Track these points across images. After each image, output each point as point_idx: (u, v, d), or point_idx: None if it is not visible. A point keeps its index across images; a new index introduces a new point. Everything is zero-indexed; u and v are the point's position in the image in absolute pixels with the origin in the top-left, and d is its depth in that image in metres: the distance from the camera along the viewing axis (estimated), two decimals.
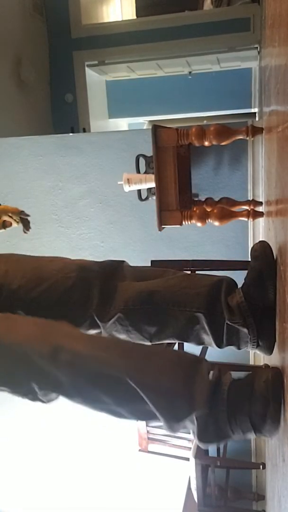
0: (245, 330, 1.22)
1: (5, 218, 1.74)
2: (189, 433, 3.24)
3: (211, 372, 1.08)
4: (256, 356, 2.97)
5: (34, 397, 1.10)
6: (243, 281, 1.28)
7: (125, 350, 1.10)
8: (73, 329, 1.18)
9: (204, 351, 2.12)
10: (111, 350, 1.09)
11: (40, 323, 1.14)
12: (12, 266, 1.31)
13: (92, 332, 1.32)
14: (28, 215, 1.85)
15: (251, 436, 1.02)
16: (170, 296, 1.27)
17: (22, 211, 1.79)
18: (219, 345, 1.27)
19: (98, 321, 1.29)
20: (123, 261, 1.41)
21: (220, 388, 1.05)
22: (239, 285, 1.29)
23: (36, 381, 1.07)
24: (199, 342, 1.30)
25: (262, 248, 1.26)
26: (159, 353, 1.15)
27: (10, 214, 1.73)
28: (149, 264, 2.01)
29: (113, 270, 1.35)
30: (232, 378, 1.09)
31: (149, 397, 1.01)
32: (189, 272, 2.07)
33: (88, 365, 1.05)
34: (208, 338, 1.26)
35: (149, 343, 1.29)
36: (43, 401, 1.11)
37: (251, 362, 3.01)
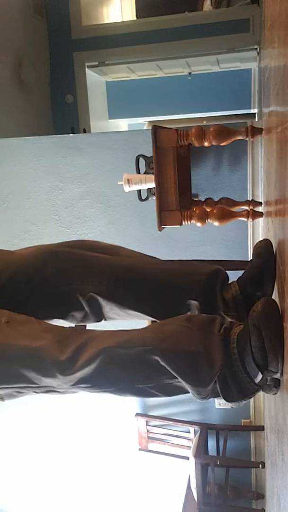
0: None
1: None
2: (189, 431, 3.25)
3: (223, 327, 1.06)
4: None
5: (53, 390, 1.09)
6: (242, 275, 1.28)
7: (141, 330, 1.08)
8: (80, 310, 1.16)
9: None
10: (130, 333, 1.07)
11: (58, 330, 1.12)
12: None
13: (77, 316, 1.25)
14: None
15: (258, 376, 0.97)
16: (168, 279, 1.24)
17: None
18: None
19: (79, 298, 1.22)
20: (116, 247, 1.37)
21: (230, 339, 1.03)
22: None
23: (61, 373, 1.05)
24: None
25: (265, 246, 1.26)
26: (171, 322, 1.10)
27: None
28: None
29: (90, 244, 1.30)
30: (241, 327, 1.06)
31: (173, 368, 1.00)
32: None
33: (114, 352, 1.03)
34: None
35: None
36: (60, 392, 1.10)
37: None
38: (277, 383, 1.02)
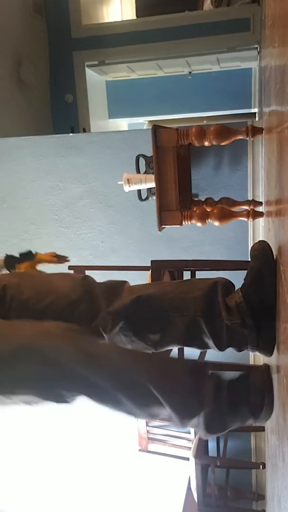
0: (244, 330, 1.24)
1: (40, 265, 1.72)
2: (189, 432, 3.24)
3: (213, 374, 1.24)
4: (256, 357, 2.97)
5: (61, 400, 1.18)
6: (243, 281, 1.28)
7: (146, 360, 1.23)
8: (103, 340, 1.29)
9: (203, 353, 2.12)
10: (137, 360, 1.21)
11: (70, 332, 1.21)
12: (24, 280, 1.37)
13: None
14: (64, 258, 1.84)
15: (250, 422, 1.22)
16: (167, 301, 1.30)
17: (56, 257, 1.78)
18: (220, 347, 1.30)
19: (102, 332, 1.32)
20: (125, 281, 1.44)
21: (221, 386, 1.21)
22: (238, 285, 1.30)
23: (67, 384, 1.16)
24: (202, 346, 1.33)
25: (261, 248, 1.27)
26: (171, 363, 1.31)
27: (46, 263, 1.72)
28: (149, 264, 2.01)
29: (115, 286, 1.39)
30: (229, 377, 1.25)
31: (167, 400, 1.16)
32: (189, 271, 2.08)
33: (117, 373, 1.17)
34: (210, 342, 1.29)
35: (154, 350, 1.35)
36: (67, 402, 1.18)
37: (251, 362, 3.01)
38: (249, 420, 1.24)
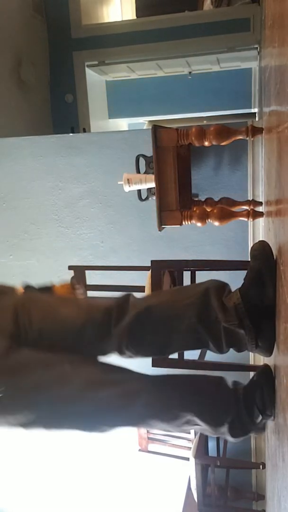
0: (242, 331, 1.26)
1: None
2: (189, 432, 3.24)
3: (230, 384, 1.40)
4: (256, 357, 2.97)
5: (100, 432, 1.35)
6: (243, 281, 1.29)
7: (177, 387, 1.39)
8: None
9: (203, 353, 2.12)
10: (171, 396, 1.36)
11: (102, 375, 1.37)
12: (33, 310, 1.41)
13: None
14: (78, 287, 1.85)
15: (259, 418, 1.33)
16: (165, 311, 1.36)
17: (74, 286, 1.78)
18: (220, 349, 1.34)
19: (111, 352, 1.41)
20: (129, 295, 1.47)
21: (238, 394, 1.36)
22: (239, 285, 1.32)
23: (111, 422, 1.35)
24: (206, 347, 1.39)
25: (261, 248, 1.29)
26: (195, 382, 1.43)
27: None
28: (149, 264, 2.01)
29: (121, 303, 1.43)
30: (243, 385, 1.41)
31: (200, 417, 1.33)
32: (189, 271, 2.08)
33: (157, 410, 1.34)
34: (210, 345, 1.34)
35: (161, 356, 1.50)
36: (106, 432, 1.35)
37: (251, 362, 3.01)
38: (264, 427, 1.38)
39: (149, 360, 1.66)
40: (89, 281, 2.44)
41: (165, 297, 1.42)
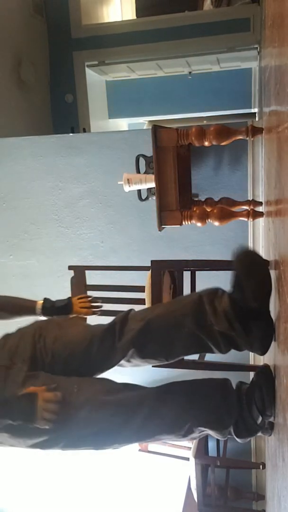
0: (233, 333, 1.35)
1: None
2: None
3: (235, 385, 1.47)
4: (256, 356, 2.97)
5: (111, 449, 1.46)
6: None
7: (179, 398, 1.44)
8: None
9: (203, 353, 2.12)
10: (172, 408, 1.43)
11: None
12: (48, 338, 1.53)
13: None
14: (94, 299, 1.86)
15: (259, 419, 1.38)
16: (164, 322, 1.45)
17: (91, 299, 1.80)
18: (221, 351, 1.43)
19: (117, 363, 1.51)
20: (130, 310, 1.58)
21: (241, 395, 1.44)
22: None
23: (122, 441, 1.45)
24: (208, 351, 1.48)
25: (238, 252, 1.36)
26: (197, 389, 1.49)
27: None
28: (149, 264, 2.01)
29: (122, 320, 1.53)
30: (247, 385, 1.48)
31: (205, 425, 1.42)
32: (189, 271, 2.08)
33: (159, 422, 1.42)
34: (212, 348, 1.44)
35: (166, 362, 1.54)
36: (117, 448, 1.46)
37: (251, 362, 3.01)
38: (271, 427, 1.42)
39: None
40: (89, 281, 2.44)
41: (163, 309, 1.50)
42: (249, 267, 1.32)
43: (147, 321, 1.45)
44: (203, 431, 1.45)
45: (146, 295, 2.18)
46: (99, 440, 1.44)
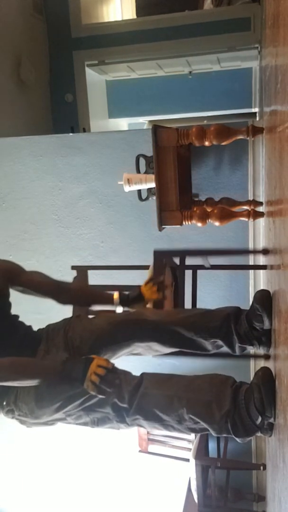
0: (251, 347, 1.74)
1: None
2: (189, 434, 3.24)
3: (235, 384, 1.53)
4: (256, 357, 2.97)
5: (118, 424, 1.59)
6: (248, 309, 1.71)
7: (180, 387, 1.56)
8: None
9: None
10: (175, 389, 1.55)
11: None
12: (76, 325, 1.78)
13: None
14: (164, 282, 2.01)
15: (259, 419, 1.41)
16: (195, 327, 1.70)
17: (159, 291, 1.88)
18: (234, 352, 1.75)
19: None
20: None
21: (239, 392, 1.49)
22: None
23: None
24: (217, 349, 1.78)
25: (261, 295, 1.65)
26: (201, 377, 1.60)
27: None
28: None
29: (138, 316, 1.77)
30: (247, 385, 1.52)
31: (195, 414, 1.49)
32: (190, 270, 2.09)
33: (158, 400, 1.53)
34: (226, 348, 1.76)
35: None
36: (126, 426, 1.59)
37: (251, 362, 3.01)
38: (271, 428, 1.43)
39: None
40: (89, 281, 2.44)
41: (194, 319, 1.73)
42: (269, 307, 1.60)
43: (189, 327, 1.72)
44: (197, 422, 1.50)
45: None
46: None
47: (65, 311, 1.99)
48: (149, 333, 1.72)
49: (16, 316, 1.79)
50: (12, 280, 1.76)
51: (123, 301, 1.79)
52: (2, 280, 1.71)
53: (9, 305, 1.76)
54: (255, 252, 2.75)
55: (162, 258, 2.08)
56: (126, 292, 1.82)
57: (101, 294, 1.87)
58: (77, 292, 1.91)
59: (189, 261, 2.16)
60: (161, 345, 1.74)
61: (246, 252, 2.75)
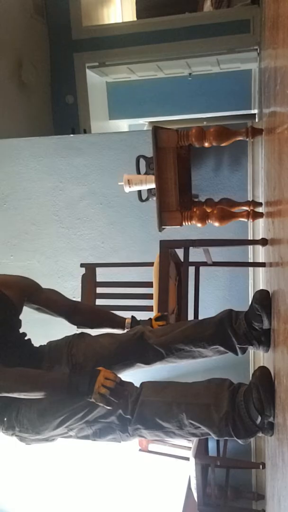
0: (250, 347, 1.71)
1: None
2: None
3: (232, 386, 1.54)
4: (256, 358, 2.98)
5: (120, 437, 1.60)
6: (247, 309, 1.68)
7: (178, 393, 1.57)
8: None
9: None
10: (171, 400, 1.55)
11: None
12: (82, 348, 1.77)
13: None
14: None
15: (259, 419, 1.41)
16: (191, 339, 1.70)
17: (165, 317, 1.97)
18: (236, 354, 1.74)
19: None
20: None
21: (237, 393, 1.51)
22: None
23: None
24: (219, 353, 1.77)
25: (260, 295, 1.62)
26: (198, 383, 1.62)
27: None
28: (158, 244, 2.15)
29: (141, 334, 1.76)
30: (246, 386, 1.53)
31: (195, 418, 1.50)
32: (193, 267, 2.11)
33: (157, 407, 1.54)
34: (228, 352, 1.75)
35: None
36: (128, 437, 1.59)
37: (251, 362, 3.02)
38: (271, 427, 1.42)
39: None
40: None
41: (188, 332, 1.72)
42: (268, 305, 1.59)
43: (174, 337, 1.71)
44: (198, 426, 1.52)
45: (154, 287, 2.24)
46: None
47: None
48: (152, 355, 1.73)
49: (24, 334, 1.80)
50: (29, 297, 1.75)
51: (134, 322, 1.86)
52: (19, 297, 1.70)
53: (19, 322, 1.76)
54: (254, 242, 2.77)
55: (167, 248, 2.13)
56: (138, 319, 1.89)
57: (114, 318, 1.91)
58: (91, 315, 1.93)
59: (192, 257, 2.19)
60: (165, 363, 1.75)
61: (245, 242, 2.76)
